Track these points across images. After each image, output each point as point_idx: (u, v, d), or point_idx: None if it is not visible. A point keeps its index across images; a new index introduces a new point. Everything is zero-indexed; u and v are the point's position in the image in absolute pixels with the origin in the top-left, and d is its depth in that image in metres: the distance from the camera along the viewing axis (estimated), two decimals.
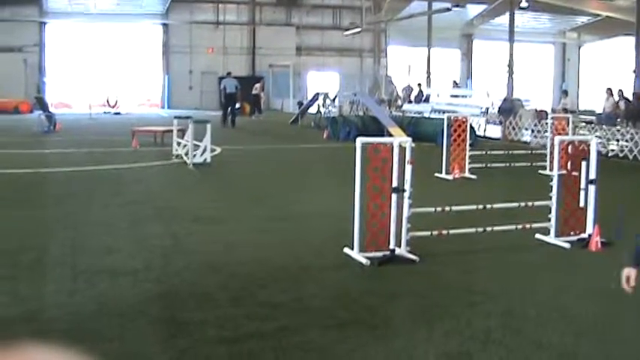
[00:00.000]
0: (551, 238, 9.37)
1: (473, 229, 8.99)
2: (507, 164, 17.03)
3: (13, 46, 45.98)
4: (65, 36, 48.91)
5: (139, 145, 21.27)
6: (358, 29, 47.65)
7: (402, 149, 8.30)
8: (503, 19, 44.87)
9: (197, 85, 51.16)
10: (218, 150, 20.03)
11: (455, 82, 41.72)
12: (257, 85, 42.15)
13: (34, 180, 15.16)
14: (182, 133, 18.08)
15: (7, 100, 41.29)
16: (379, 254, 8.21)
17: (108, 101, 44.87)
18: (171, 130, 19.16)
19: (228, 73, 35.22)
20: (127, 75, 49.47)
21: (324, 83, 49.09)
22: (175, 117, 19.60)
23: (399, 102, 38.80)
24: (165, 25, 50.86)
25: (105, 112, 42.47)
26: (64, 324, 6.00)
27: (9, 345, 1.51)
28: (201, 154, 17.44)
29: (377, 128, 23.95)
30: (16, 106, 41.07)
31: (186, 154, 17.36)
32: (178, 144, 18.23)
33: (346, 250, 8.43)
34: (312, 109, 34.96)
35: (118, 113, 42.61)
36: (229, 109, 33.11)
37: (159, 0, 49.72)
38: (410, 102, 37.23)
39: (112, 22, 48.71)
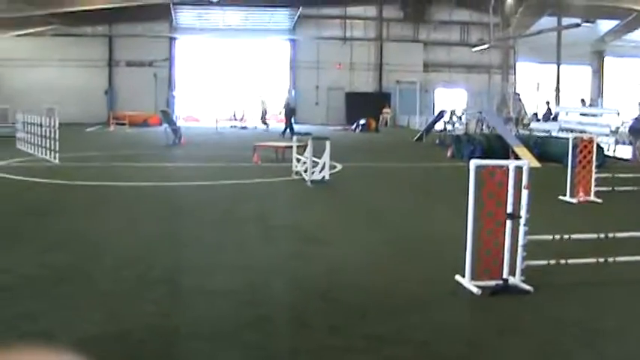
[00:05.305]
0: None
1: (595, 259, 8.35)
2: (637, 188, 16.09)
3: (144, 61, 47.48)
4: (194, 51, 50.08)
5: (260, 160, 21.32)
6: (486, 45, 46.86)
7: (520, 172, 7.80)
8: (637, 35, 43.19)
9: (323, 100, 51.46)
10: (339, 167, 19.85)
11: (582, 100, 40.31)
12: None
13: (147, 194, 15.33)
14: (302, 149, 17.94)
15: (137, 113, 42.65)
16: (492, 283, 7.74)
17: (235, 115, 45.57)
18: (292, 146, 19.06)
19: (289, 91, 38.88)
20: (254, 90, 50.18)
21: (452, 100, 48.58)
22: (294, 134, 19.53)
23: (526, 120, 37.82)
24: (292, 41, 51.38)
25: (231, 127, 43.16)
26: (154, 345, 5.85)
27: (9, 346, 1.55)
28: (320, 171, 17.25)
29: (502, 147, 23.30)
30: (145, 119, 42.25)
31: (305, 171, 17.22)
32: (298, 160, 18.10)
33: (457, 277, 8.00)
34: (439, 127, 34.53)
35: (245, 127, 43.19)
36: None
37: (286, 16, 50.30)
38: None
39: (240, 37, 49.58)
